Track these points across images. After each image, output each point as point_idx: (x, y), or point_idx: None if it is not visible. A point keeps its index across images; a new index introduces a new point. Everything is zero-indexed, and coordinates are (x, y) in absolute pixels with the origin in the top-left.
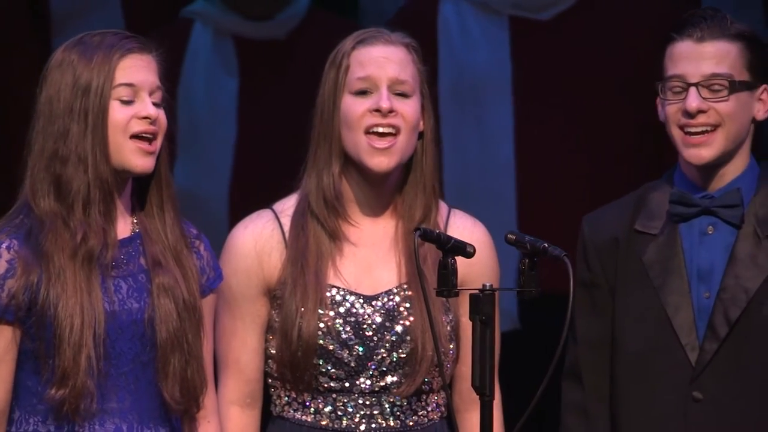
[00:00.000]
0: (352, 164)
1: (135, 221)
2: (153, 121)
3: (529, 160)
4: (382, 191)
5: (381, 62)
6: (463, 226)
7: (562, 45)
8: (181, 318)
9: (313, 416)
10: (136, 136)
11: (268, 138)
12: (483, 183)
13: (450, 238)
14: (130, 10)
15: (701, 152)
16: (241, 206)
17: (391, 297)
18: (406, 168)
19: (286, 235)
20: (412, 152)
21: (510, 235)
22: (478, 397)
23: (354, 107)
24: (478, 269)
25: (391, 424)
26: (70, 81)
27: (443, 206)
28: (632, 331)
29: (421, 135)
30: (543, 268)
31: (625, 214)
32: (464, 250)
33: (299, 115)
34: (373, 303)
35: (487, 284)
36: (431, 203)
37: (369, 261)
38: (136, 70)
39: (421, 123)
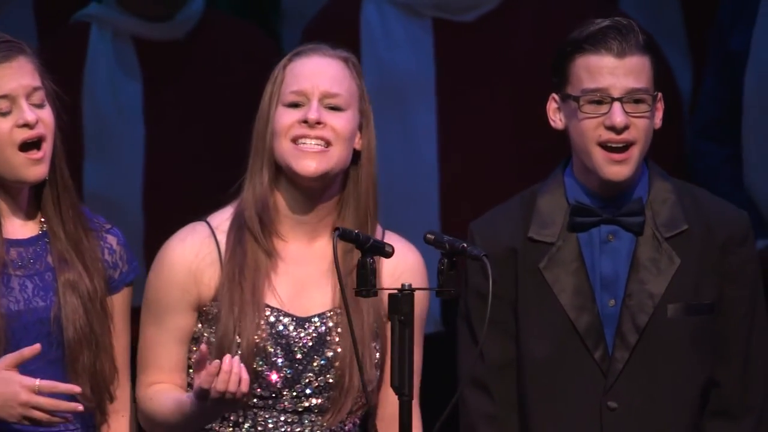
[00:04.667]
0: (284, 176)
1: (42, 220)
2: (34, 125)
3: (452, 160)
4: (316, 207)
5: (314, 75)
6: (397, 250)
7: (485, 46)
8: (87, 312)
9: (231, 429)
10: (24, 146)
11: (176, 137)
12: (406, 184)
13: (369, 237)
14: (41, 5)
15: (622, 170)
16: (155, 206)
17: (324, 321)
18: (342, 188)
19: (222, 252)
20: (343, 166)
21: (429, 235)
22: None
23: (283, 118)
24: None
25: None
26: None
27: (377, 228)
28: (539, 342)
29: (358, 154)
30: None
31: (516, 222)
32: (383, 250)
33: (206, 114)
34: (306, 326)
35: (406, 284)
36: (365, 224)
37: (303, 281)
38: (8, 80)
39: (358, 140)
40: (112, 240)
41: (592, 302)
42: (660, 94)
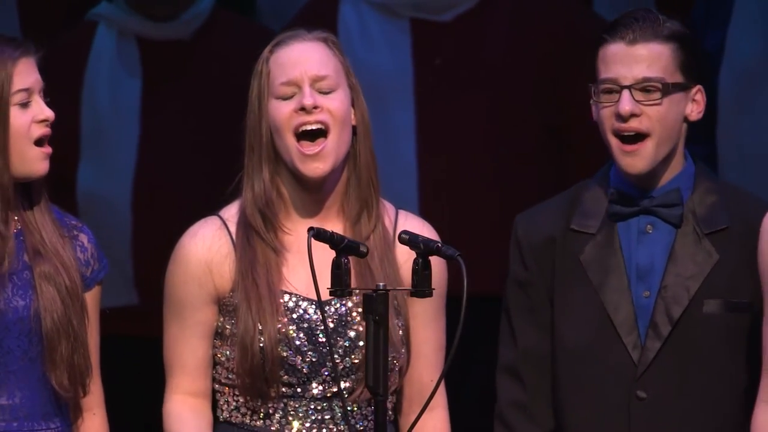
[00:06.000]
0: (286, 170)
1: (16, 218)
2: (50, 123)
3: (430, 160)
4: (323, 193)
5: (300, 62)
6: (412, 228)
7: (463, 46)
8: (65, 305)
9: (262, 421)
10: (38, 142)
11: (171, 139)
12: (385, 183)
13: (343, 237)
14: (26, 11)
15: (635, 163)
16: (144, 206)
17: (344, 302)
18: (346, 166)
19: (236, 243)
20: (347, 148)
21: (403, 236)
22: (425, 399)
23: (280, 110)
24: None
25: (342, 429)
26: None
27: (390, 206)
28: (573, 330)
29: (354, 130)
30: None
31: (560, 214)
32: (357, 249)
33: (204, 115)
34: (326, 308)
35: (381, 284)
36: (369, 197)
37: (318, 266)
38: (28, 74)
39: (353, 117)
40: (83, 238)
41: (627, 292)
42: (697, 87)
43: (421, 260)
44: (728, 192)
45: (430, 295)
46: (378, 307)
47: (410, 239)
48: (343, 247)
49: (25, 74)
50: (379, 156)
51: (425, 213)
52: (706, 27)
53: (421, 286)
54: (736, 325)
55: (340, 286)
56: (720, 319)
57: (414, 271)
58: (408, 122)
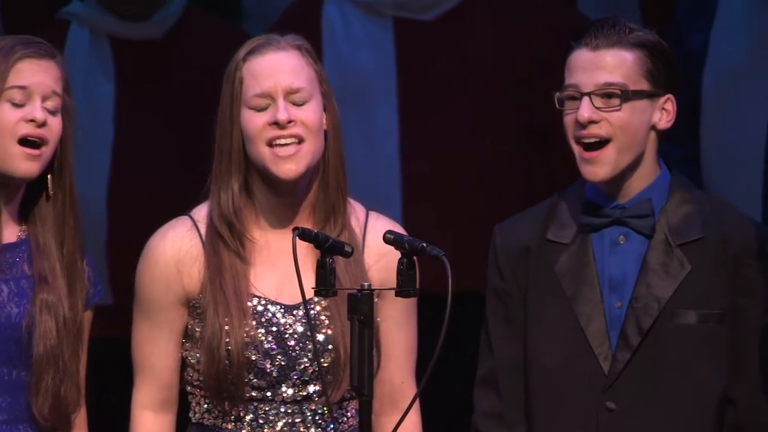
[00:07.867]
0: (258, 176)
1: (23, 228)
2: (40, 125)
3: (413, 159)
4: (294, 198)
5: (274, 73)
6: (382, 229)
7: (446, 45)
8: (59, 336)
9: (233, 424)
10: (23, 142)
11: (145, 139)
12: (367, 183)
13: (328, 237)
14: (8, 10)
15: (596, 170)
16: (119, 206)
17: (312, 306)
18: (316, 171)
19: (205, 245)
20: (319, 155)
21: (388, 235)
22: (395, 400)
23: (253, 121)
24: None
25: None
26: None
27: (360, 208)
28: (545, 341)
29: (325, 134)
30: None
31: (537, 223)
32: (342, 249)
33: (178, 115)
34: (294, 312)
35: (365, 284)
36: (337, 202)
37: (288, 270)
38: (32, 74)
39: (324, 122)
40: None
41: (599, 303)
42: (666, 96)
43: (406, 260)
44: (705, 202)
45: (415, 295)
46: (363, 307)
47: (395, 239)
48: (327, 247)
49: (28, 73)
50: (362, 155)
51: (408, 212)
52: (690, 28)
53: (405, 286)
54: (709, 336)
55: (324, 286)
56: (692, 330)
57: (399, 271)
58: (391, 121)
